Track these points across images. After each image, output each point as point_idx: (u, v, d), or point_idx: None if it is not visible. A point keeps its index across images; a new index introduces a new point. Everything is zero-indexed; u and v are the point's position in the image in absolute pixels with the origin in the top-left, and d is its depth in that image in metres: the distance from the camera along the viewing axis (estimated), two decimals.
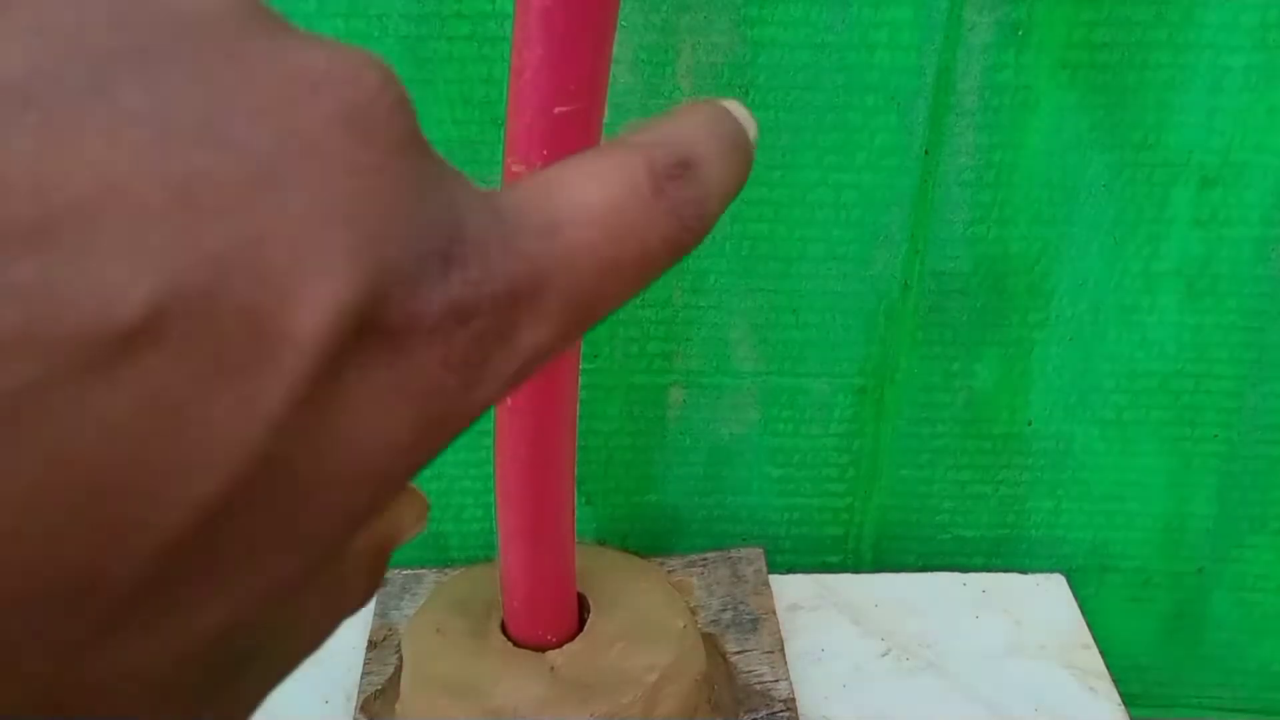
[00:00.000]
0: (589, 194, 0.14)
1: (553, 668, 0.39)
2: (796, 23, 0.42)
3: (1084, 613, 0.48)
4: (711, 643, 0.45)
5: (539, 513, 0.36)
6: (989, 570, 0.51)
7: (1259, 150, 0.44)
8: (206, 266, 0.10)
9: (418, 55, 0.41)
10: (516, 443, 0.34)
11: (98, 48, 0.10)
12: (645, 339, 0.48)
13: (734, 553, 0.50)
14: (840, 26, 0.42)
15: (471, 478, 0.51)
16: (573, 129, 0.26)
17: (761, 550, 0.50)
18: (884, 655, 0.47)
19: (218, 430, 0.10)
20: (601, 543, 0.53)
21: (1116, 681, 0.45)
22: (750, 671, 0.44)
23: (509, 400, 0.33)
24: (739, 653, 0.45)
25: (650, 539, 0.53)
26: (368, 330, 0.11)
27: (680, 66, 0.43)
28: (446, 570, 0.50)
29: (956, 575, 0.50)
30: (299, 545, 0.11)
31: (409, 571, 0.50)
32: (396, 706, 0.41)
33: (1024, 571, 0.50)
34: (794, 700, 0.43)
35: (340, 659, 0.46)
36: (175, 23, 0.11)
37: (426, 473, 0.49)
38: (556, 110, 0.26)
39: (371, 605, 0.48)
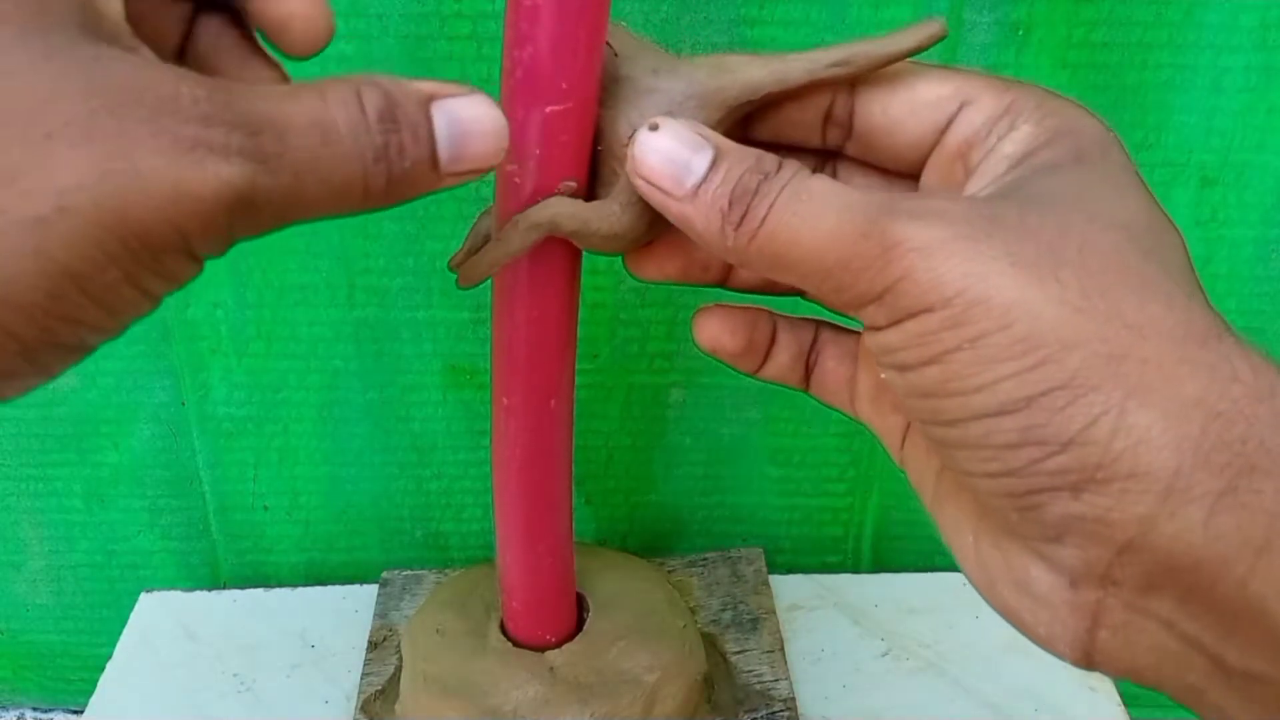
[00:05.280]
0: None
1: (552, 668, 0.39)
2: (796, 22, 0.42)
3: None
4: (711, 643, 0.45)
5: (536, 513, 0.36)
6: None
7: (1259, 150, 0.44)
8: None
9: (418, 55, 0.41)
10: (512, 443, 0.34)
11: None
12: (645, 339, 0.48)
13: (734, 553, 0.50)
14: (840, 26, 0.42)
15: (471, 478, 0.51)
16: (565, 127, 0.26)
17: (761, 550, 0.50)
18: (884, 655, 0.47)
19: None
20: (601, 543, 0.53)
21: (1116, 681, 0.45)
22: (750, 671, 0.44)
23: (504, 400, 0.33)
24: (739, 653, 0.45)
25: (650, 539, 0.53)
26: None
27: None
28: (446, 570, 0.50)
29: (956, 575, 0.50)
30: None
31: (409, 572, 0.50)
32: (396, 707, 0.41)
33: None
34: (794, 700, 0.43)
35: (340, 659, 0.46)
36: None
37: (427, 473, 0.49)
38: (549, 109, 0.26)
39: (372, 606, 0.48)
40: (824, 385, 0.30)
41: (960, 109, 0.25)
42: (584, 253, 0.31)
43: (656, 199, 0.25)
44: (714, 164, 0.24)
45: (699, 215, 0.24)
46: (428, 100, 0.22)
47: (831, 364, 0.29)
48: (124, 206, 0.18)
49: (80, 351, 0.20)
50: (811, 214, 0.22)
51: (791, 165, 0.24)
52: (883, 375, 0.23)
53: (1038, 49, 0.42)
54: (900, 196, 0.23)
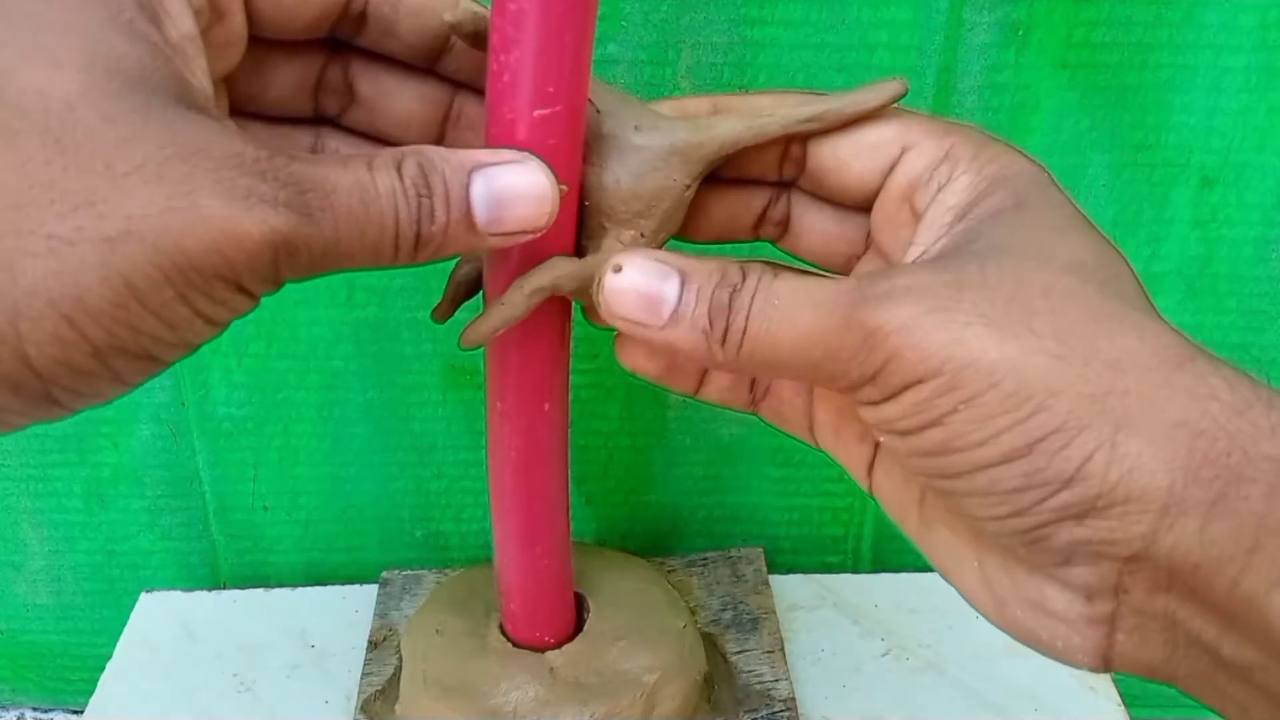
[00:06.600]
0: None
1: (552, 668, 0.39)
2: (796, 23, 0.42)
3: None
4: (711, 643, 0.45)
5: (532, 516, 0.36)
6: None
7: (1259, 150, 0.44)
8: None
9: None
10: (507, 447, 0.34)
11: None
12: None
13: (734, 553, 0.50)
14: (840, 26, 0.42)
15: (471, 478, 0.51)
16: (554, 131, 0.26)
17: (761, 550, 0.50)
18: (884, 655, 0.47)
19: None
20: (601, 543, 0.53)
21: (1116, 681, 0.45)
22: (750, 671, 0.44)
23: (498, 404, 0.33)
24: (739, 653, 0.45)
25: (650, 539, 0.53)
26: None
27: (680, 66, 0.43)
28: (446, 570, 0.50)
29: None
30: None
31: (409, 572, 0.50)
32: (396, 707, 0.41)
33: None
34: (794, 700, 0.43)
35: (340, 659, 0.46)
36: None
37: (427, 473, 0.48)
38: (536, 113, 0.26)
39: (372, 606, 0.48)
40: (779, 414, 0.30)
41: (902, 153, 0.27)
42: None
43: (638, 334, 0.26)
44: (683, 287, 0.25)
45: (683, 339, 0.25)
46: (471, 168, 0.25)
47: (788, 394, 0.30)
48: (180, 236, 0.21)
49: (149, 361, 0.22)
50: (786, 317, 0.24)
51: (755, 271, 0.25)
52: (881, 439, 0.24)
53: (1038, 49, 0.42)
54: (866, 281, 0.24)
